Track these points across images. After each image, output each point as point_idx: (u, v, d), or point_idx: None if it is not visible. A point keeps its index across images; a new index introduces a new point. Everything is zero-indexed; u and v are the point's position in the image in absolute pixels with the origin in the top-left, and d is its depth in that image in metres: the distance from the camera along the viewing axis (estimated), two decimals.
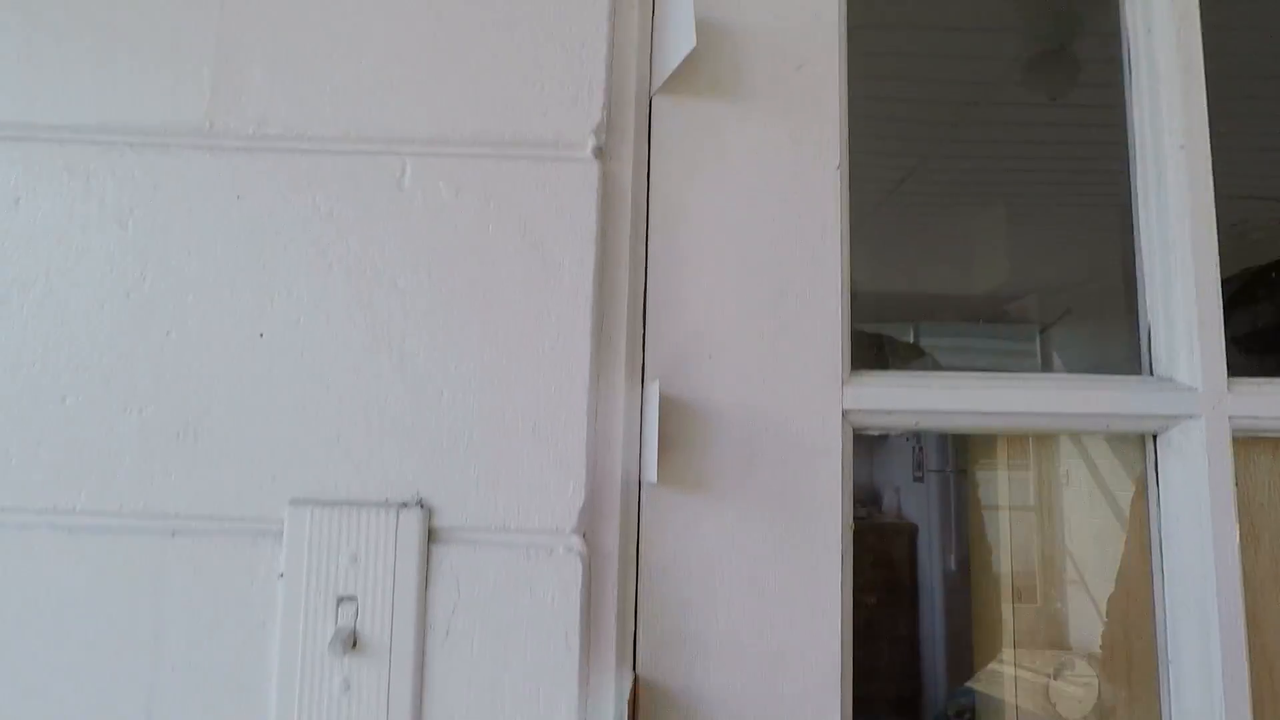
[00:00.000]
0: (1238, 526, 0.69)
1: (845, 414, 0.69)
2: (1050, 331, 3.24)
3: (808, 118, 0.71)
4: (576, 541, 0.64)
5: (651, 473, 0.64)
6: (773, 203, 0.70)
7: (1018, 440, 0.77)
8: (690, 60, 0.70)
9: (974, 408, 0.68)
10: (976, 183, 3.01)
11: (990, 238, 3.15)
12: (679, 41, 0.68)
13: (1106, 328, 3.27)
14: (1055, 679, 0.71)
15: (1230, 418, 0.70)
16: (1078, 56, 2.19)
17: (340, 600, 0.62)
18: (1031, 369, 3.89)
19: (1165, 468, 0.73)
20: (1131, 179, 0.82)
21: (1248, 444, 0.76)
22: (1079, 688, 0.71)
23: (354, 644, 0.61)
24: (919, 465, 3.54)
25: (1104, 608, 0.75)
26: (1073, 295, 3.19)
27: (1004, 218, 3.13)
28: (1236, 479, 0.70)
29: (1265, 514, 0.79)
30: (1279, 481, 0.78)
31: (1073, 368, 3.70)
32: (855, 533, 0.69)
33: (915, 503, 3.58)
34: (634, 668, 0.67)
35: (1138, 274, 0.80)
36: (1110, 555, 0.77)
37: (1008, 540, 0.74)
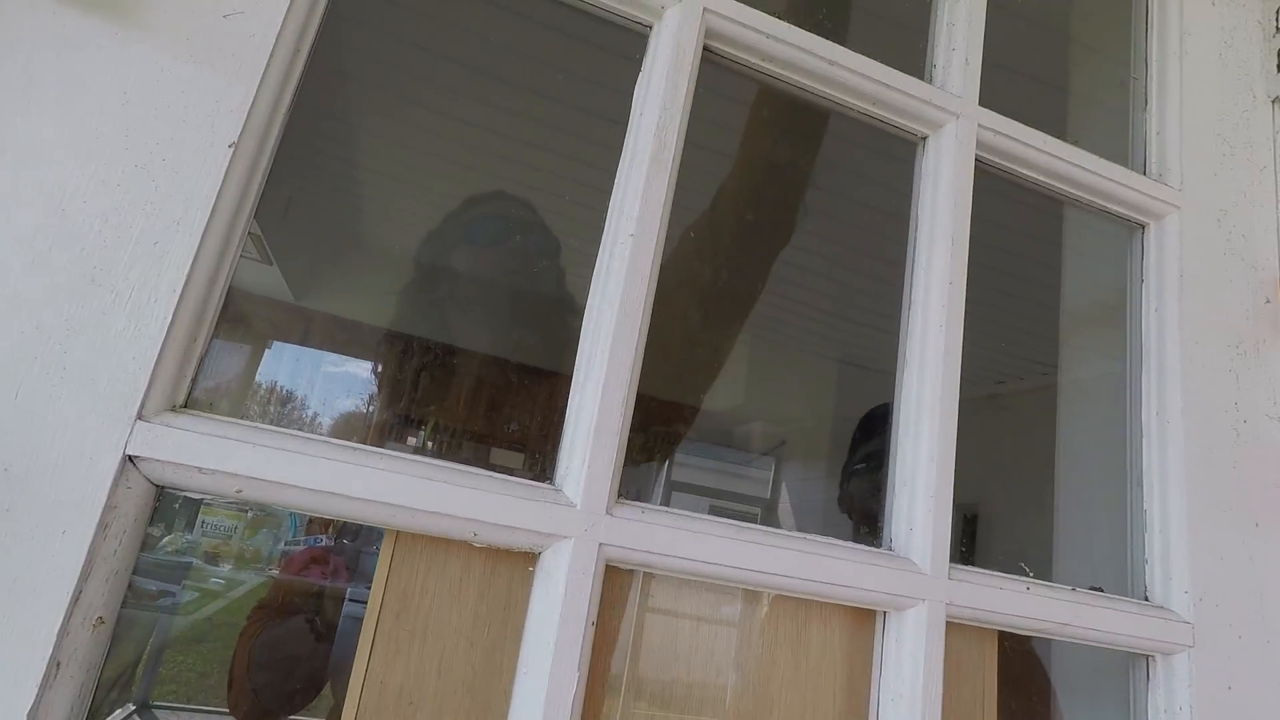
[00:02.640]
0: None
1: (133, 461, 0.48)
2: (768, 457, 3.37)
3: (216, 77, 0.53)
4: None
5: None
6: (126, 161, 0.50)
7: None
8: None
9: (306, 484, 0.50)
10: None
11: (733, 359, 3.26)
12: None
13: (813, 463, 3.44)
14: None
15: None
16: (811, 207, 2.31)
17: None
18: (759, 492, 4.00)
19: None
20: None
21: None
22: None
23: None
24: None
25: None
26: (789, 429, 3.37)
27: (747, 344, 3.23)
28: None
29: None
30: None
31: (792, 494, 3.84)
32: None
33: None
34: None
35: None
36: None
37: None
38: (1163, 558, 0.79)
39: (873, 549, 0.69)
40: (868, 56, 0.79)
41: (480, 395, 1.40)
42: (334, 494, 0.50)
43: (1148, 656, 0.77)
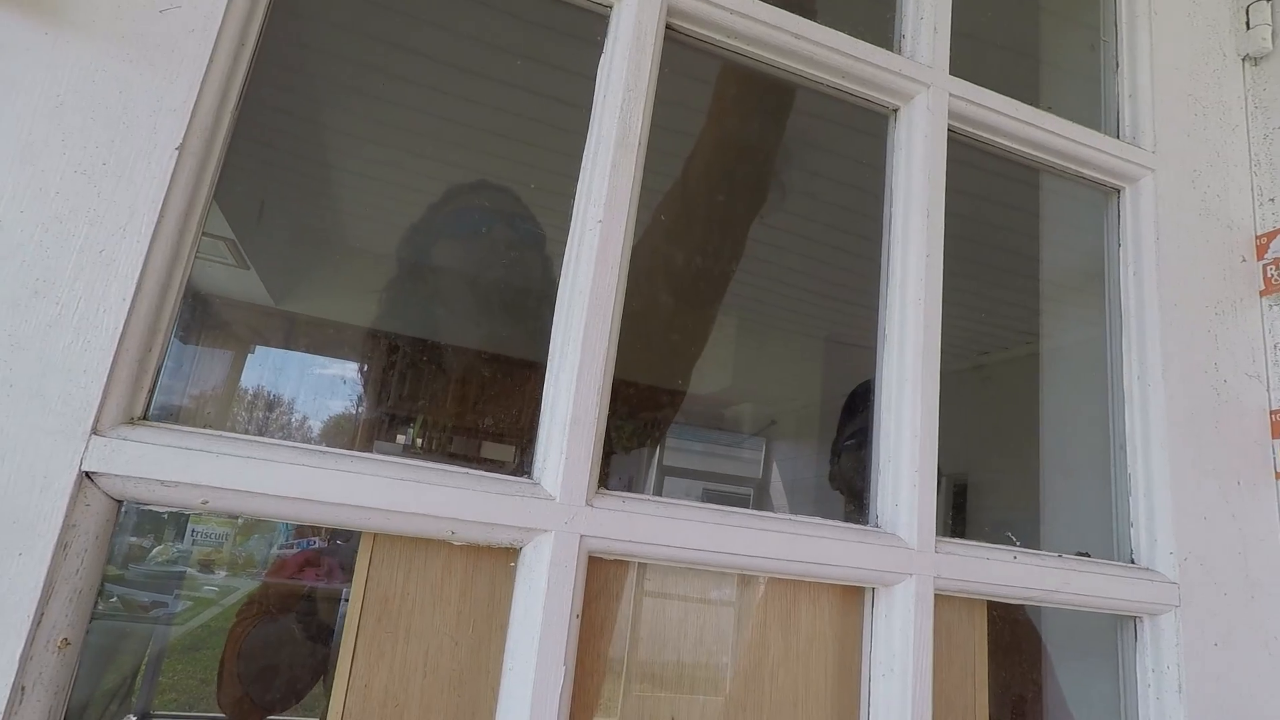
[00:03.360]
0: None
1: (91, 477, 0.46)
2: (758, 438, 3.37)
3: (155, 76, 0.51)
4: None
5: None
6: (65, 167, 0.48)
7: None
8: None
9: (274, 491, 0.48)
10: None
11: (721, 343, 3.25)
12: None
13: (803, 441, 3.46)
14: None
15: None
16: (788, 186, 2.29)
17: None
18: (751, 473, 4.00)
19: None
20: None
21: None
22: None
23: None
24: None
25: None
26: (779, 409, 3.36)
27: (734, 326, 3.22)
28: None
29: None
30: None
31: (784, 473, 3.85)
32: None
33: None
34: None
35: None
36: None
37: None
38: (1147, 520, 0.79)
39: (859, 526, 0.68)
40: (835, 29, 0.77)
41: (468, 390, 1.38)
42: (304, 500, 0.49)
43: (1135, 618, 0.77)
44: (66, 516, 0.44)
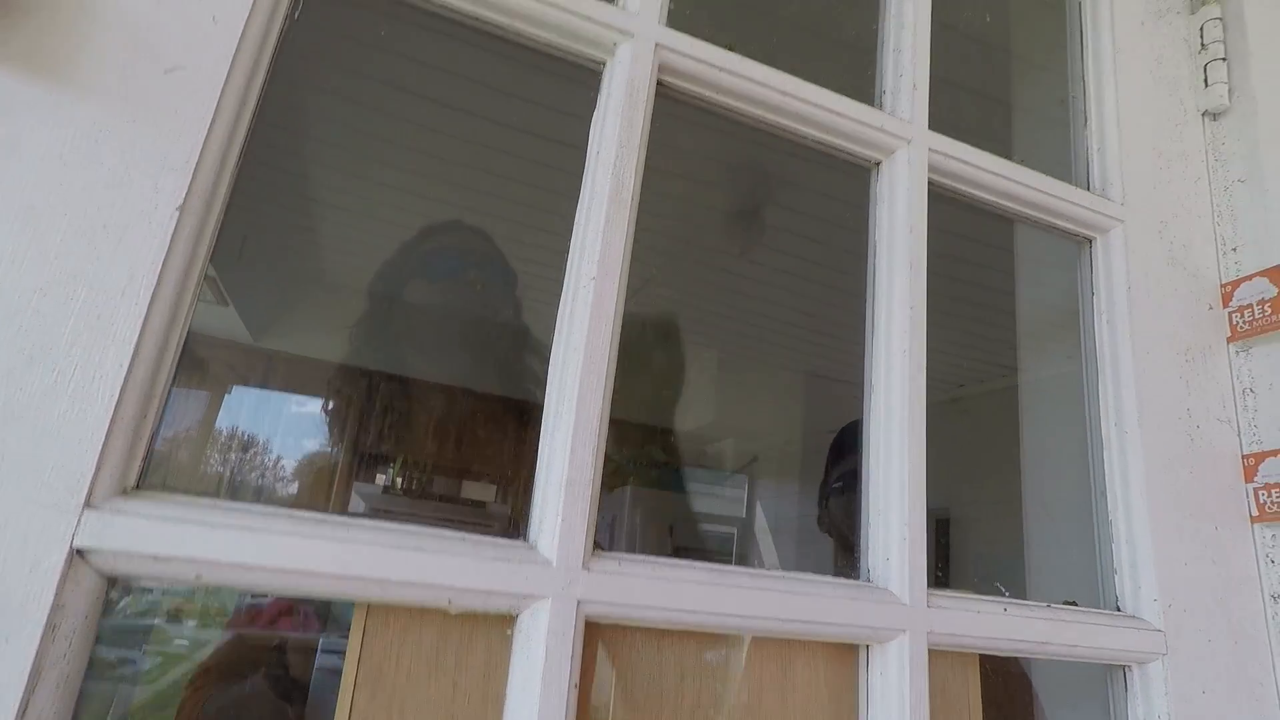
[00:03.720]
0: None
1: (82, 554, 0.45)
2: (741, 475, 3.36)
3: (159, 136, 0.52)
4: None
5: None
6: (65, 229, 0.48)
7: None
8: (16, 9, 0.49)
9: (270, 564, 0.48)
10: (693, 320, 3.11)
11: (702, 378, 3.26)
12: None
13: (786, 478, 3.47)
14: None
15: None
16: (768, 221, 2.32)
17: None
18: (734, 511, 3.98)
19: None
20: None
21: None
22: None
23: None
24: None
25: None
26: (760, 445, 3.37)
27: (715, 362, 3.24)
28: None
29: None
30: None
31: (767, 511, 3.85)
32: None
33: None
34: None
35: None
36: None
37: None
38: (1131, 567, 0.80)
39: (852, 582, 0.69)
40: (817, 84, 0.80)
41: (445, 430, 1.37)
42: (301, 572, 0.48)
43: (1124, 667, 0.78)
44: (56, 597, 0.43)
